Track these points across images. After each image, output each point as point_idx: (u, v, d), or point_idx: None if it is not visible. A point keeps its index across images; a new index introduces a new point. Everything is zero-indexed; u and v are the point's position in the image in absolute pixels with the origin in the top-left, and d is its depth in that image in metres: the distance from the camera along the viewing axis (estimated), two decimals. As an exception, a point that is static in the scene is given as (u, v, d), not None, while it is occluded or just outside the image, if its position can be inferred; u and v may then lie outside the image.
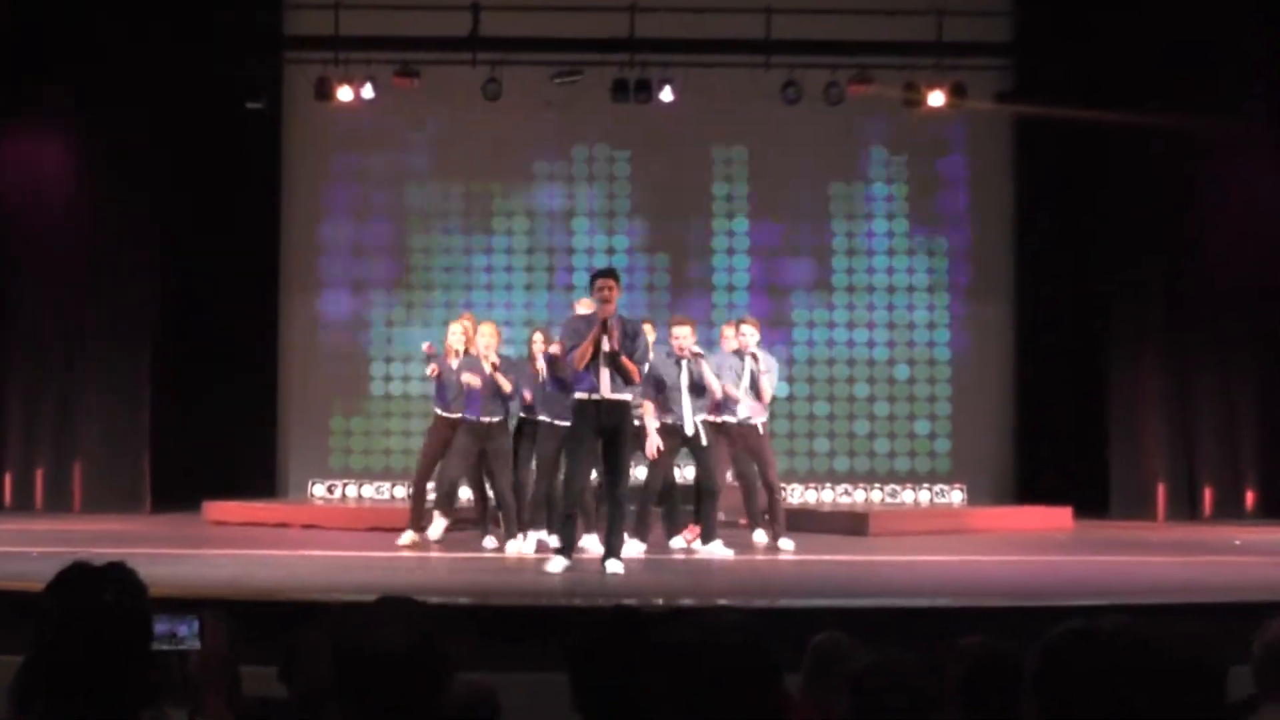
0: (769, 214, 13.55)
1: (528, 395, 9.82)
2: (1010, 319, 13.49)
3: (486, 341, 9.67)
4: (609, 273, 8.65)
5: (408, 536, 9.93)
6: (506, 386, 9.65)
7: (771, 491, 10.09)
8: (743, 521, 10.58)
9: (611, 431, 8.49)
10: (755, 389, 9.85)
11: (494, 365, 9.64)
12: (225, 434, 12.74)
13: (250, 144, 13.01)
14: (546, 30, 12.58)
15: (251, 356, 13.15)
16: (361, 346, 13.61)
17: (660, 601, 7.40)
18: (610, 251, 13.54)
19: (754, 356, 9.90)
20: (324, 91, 12.57)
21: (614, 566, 8.52)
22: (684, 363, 9.59)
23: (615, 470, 8.51)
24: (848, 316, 13.56)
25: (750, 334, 9.95)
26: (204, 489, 12.08)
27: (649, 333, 9.39)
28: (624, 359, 8.42)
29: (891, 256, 13.62)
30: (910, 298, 13.60)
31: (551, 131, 13.31)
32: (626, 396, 8.62)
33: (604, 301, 8.45)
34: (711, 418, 9.79)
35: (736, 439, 9.95)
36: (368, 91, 12.55)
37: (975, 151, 13.60)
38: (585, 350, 8.41)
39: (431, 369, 9.88)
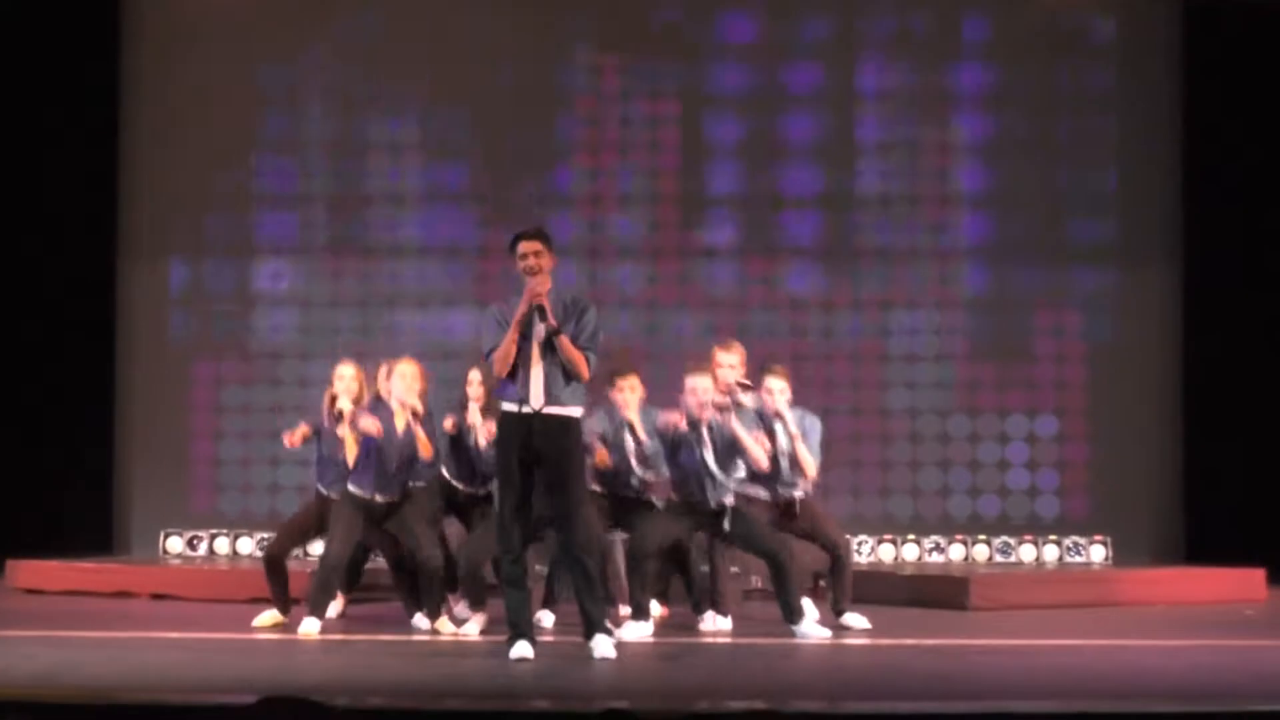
0: (806, 153, 13.62)
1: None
2: (1175, 296, 13.54)
3: (407, 384, 9.78)
4: (535, 234, 8.69)
5: (268, 617, 10.15)
6: (426, 450, 9.78)
7: (835, 550, 10.27)
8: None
9: (551, 458, 8.57)
10: (792, 461, 10.15)
11: (415, 414, 9.76)
12: (39, 467, 12.83)
13: (73, 40, 13.10)
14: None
15: (76, 349, 13.25)
16: (237, 338, 13.60)
17: (669, 706, 7.38)
18: (593, 201, 13.57)
19: (780, 417, 10.12)
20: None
21: (603, 648, 8.61)
22: (707, 424, 9.76)
23: (564, 512, 8.61)
24: (934, 293, 13.54)
25: (778, 388, 10.14)
26: (9, 544, 12.08)
27: (634, 389, 10.03)
28: (564, 341, 8.51)
29: (997, 208, 13.64)
30: (1027, 266, 13.65)
31: (508, 27, 13.43)
32: (572, 411, 8.66)
33: (530, 272, 8.57)
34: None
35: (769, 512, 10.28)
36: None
37: (1123, 57, 13.61)
38: (508, 347, 8.50)
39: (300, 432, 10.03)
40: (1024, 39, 13.61)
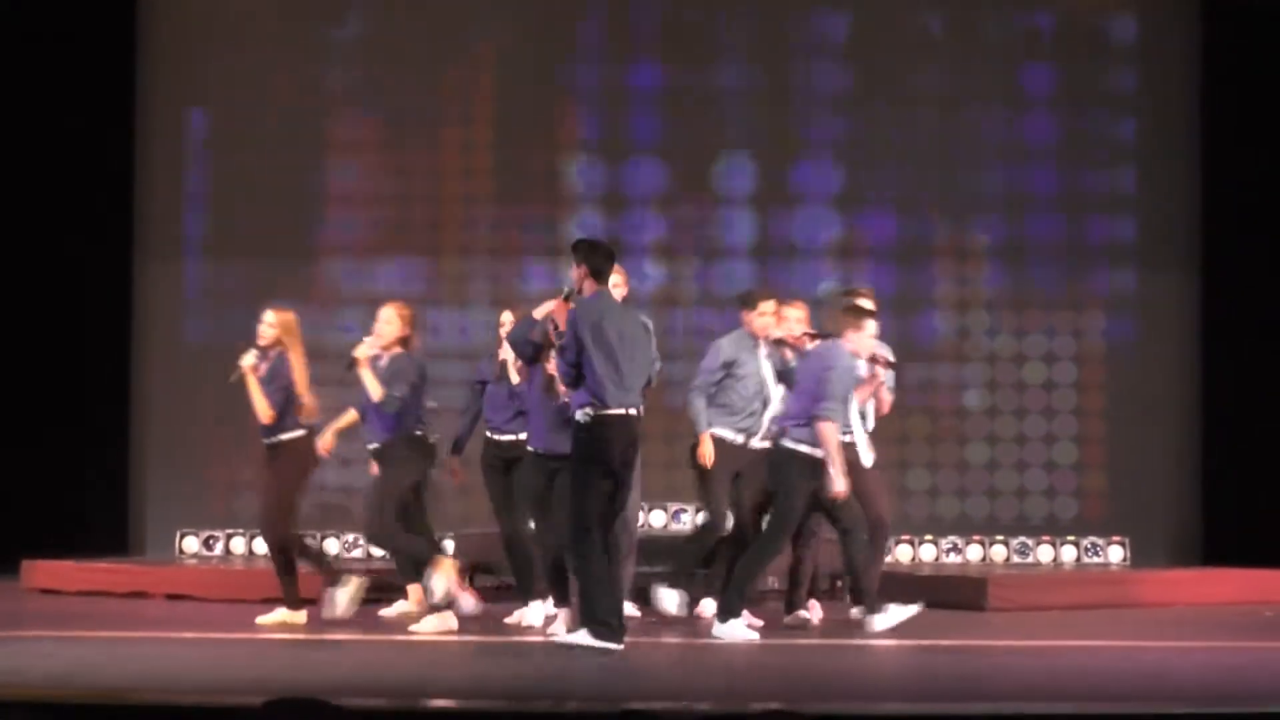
0: (829, 150, 13.60)
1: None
2: (1195, 297, 13.46)
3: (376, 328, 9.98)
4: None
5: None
6: (376, 392, 9.81)
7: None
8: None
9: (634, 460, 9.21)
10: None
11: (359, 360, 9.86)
12: (55, 467, 12.80)
13: (91, 36, 13.08)
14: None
15: (92, 350, 13.26)
16: (252, 338, 13.55)
17: (686, 705, 7.34)
18: (627, 196, 13.53)
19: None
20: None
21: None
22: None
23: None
24: (954, 293, 13.50)
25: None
26: (25, 544, 12.07)
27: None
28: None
29: (1020, 207, 13.57)
30: (1047, 266, 13.59)
31: (537, 11, 13.42)
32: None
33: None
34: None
35: None
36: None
37: (1143, 57, 13.56)
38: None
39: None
40: (1044, 40, 13.55)
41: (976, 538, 13.27)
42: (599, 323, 8.84)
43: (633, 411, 8.93)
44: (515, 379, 10.08)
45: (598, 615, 8.82)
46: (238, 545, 13.15)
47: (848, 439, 9.99)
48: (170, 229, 13.62)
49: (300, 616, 10.12)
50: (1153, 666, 9.09)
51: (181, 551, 13.12)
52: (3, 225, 12.95)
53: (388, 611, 10.54)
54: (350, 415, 10.44)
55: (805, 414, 9.56)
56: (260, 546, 12.72)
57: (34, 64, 12.89)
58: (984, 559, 13.24)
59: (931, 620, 10.45)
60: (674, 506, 13.09)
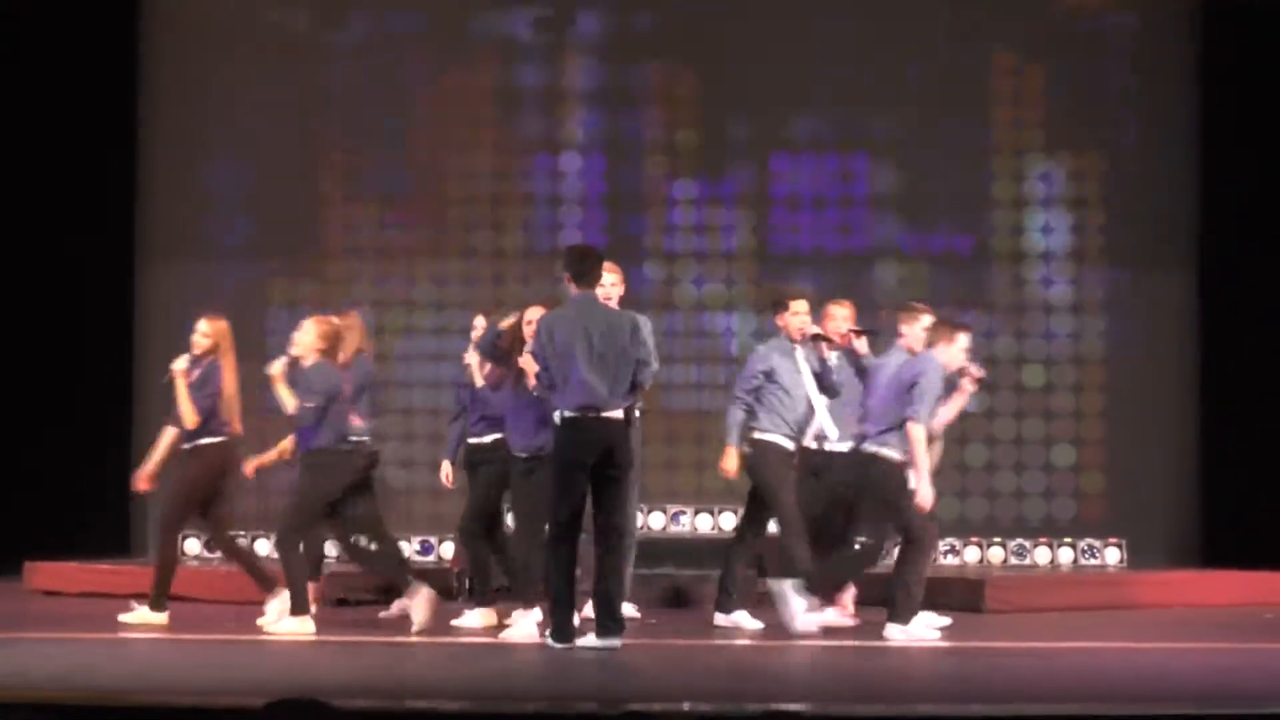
0: (834, 144, 13.57)
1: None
2: (1193, 298, 13.44)
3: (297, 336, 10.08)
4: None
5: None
6: (289, 405, 9.86)
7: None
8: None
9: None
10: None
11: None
12: (56, 468, 12.79)
13: (93, 38, 13.08)
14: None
15: (94, 351, 13.24)
16: (255, 338, 13.58)
17: (686, 706, 7.35)
18: (618, 194, 13.54)
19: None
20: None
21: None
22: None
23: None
24: (953, 294, 13.50)
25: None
26: (26, 546, 12.07)
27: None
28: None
29: (1019, 209, 13.59)
30: (1044, 267, 13.60)
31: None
32: None
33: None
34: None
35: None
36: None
37: (1143, 59, 13.56)
38: None
39: None
40: (1044, 39, 13.55)
41: (974, 539, 13.27)
42: (551, 329, 9.15)
43: (599, 414, 9.06)
44: (479, 382, 10.17)
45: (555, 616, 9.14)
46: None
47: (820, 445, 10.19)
48: (172, 231, 13.62)
49: (160, 618, 10.09)
50: (1150, 668, 9.10)
51: (183, 553, 13.06)
52: (8, 226, 12.94)
53: (387, 614, 10.54)
54: (288, 442, 10.42)
55: (890, 419, 9.58)
56: (263, 547, 12.75)
57: (40, 69, 12.89)
58: (981, 561, 13.22)
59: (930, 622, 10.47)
60: (673, 509, 13.10)
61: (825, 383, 10.16)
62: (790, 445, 10.12)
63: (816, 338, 10.13)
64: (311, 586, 10.25)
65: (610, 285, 10.01)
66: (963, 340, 9.80)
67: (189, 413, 10.10)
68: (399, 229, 13.66)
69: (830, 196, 13.58)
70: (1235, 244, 13.14)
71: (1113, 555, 13.18)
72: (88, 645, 9.42)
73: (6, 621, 10.12)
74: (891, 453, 9.56)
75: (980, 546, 13.25)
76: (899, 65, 13.58)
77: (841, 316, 10.41)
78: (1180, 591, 12.10)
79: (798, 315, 10.15)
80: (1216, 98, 13.27)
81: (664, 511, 13.01)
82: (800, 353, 10.15)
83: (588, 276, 9.30)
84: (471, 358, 10.20)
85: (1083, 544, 13.24)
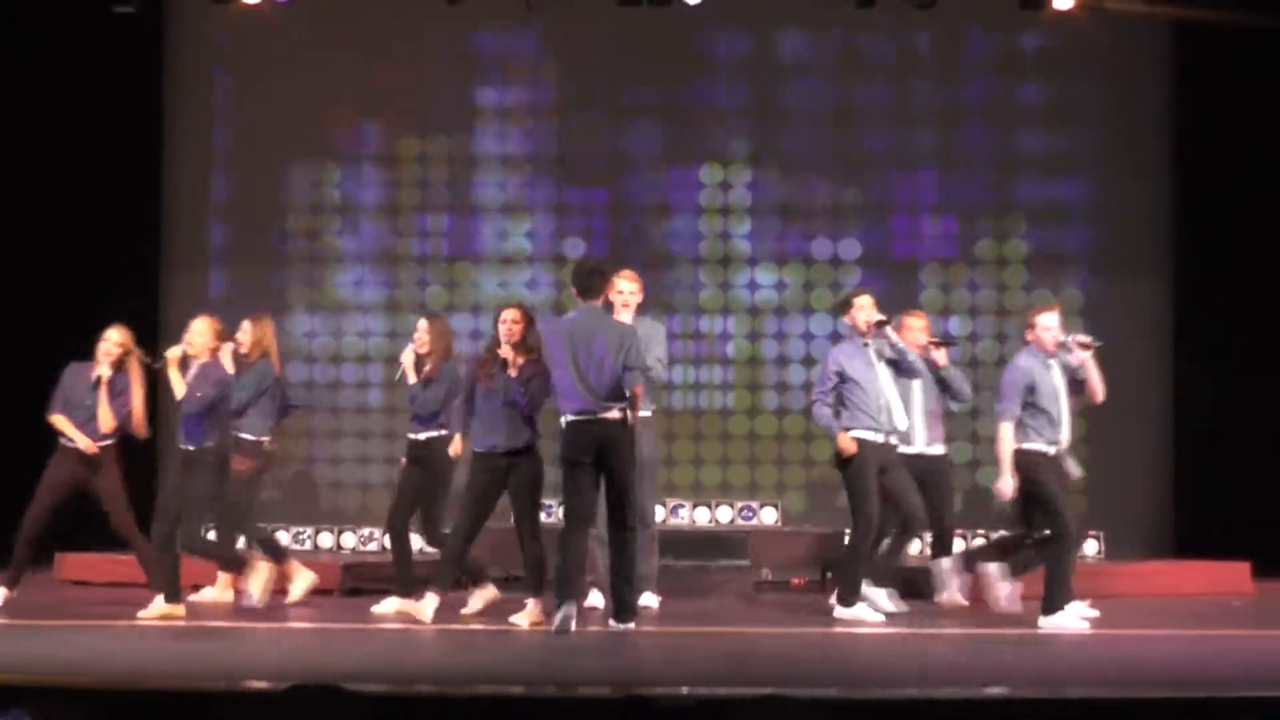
0: (823, 160, 13.59)
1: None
2: (1166, 303, 13.50)
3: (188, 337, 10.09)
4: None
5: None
6: (179, 390, 9.95)
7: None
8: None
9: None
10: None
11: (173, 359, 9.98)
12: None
13: (119, 63, 13.10)
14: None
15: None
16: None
17: (685, 690, 7.38)
18: (601, 210, 13.59)
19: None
20: (220, -10, 12.71)
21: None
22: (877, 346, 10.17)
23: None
24: (939, 299, 13.54)
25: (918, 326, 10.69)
26: (56, 537, 12.06)
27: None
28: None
29: (997, 218, 13.62)
30: (1024, 273, 13.63)
31: (530, 46, 13.37)
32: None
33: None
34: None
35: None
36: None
37: (1117, 73, 13.60)
38: None
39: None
40: (1022, 54, 13.58)
41: (959, 532, 13.28)
42: (547, 339, 9.58)
43: (593, 416, 9.37)
44: (411, 380, 10.31)
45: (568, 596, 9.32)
46: (260, 539, 13.16)
47: (889, 440, 10.19)
48: (194, 239, 13.67)
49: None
50: (1126, 653, 9.13)
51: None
52: (41, 238, 12.93)
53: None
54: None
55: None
56: (282, 539, 12.76)
57: (70, 87, 12.89)
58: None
59: (916, 609, 10.50)
60: (672, 502, 13.14)
61: (904, 366, 10.19)
62: (877, 437, 10.12)
63: (881, 324, 10.10)
64: (234, 576, 10.61)
65: (629, 294, 10.24)
66: (1044, 320, 9.90)
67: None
68: (414, 235, 13.69)
69: (826, 205, 13.64)
70: (1208, 252, 13.17)
71: (1091, 547, 13.19)
72: (114, 633, 9.44)
73: (38, 611, 10.14)
74: (1023, 444, 9.78)
75: (965, 538, 13.25)
76: (890, 84, 13.62)
77: (918, 328, 10.58)
78: (1154, 581, 12.09)
79: (862, 310, 10.14)
80: (1187, 111, 13.30)
81: (663, 505, 13.02)
82: (871, 347, 10.16)
83: (591, 291, 9.61)
84: (406, 357, 10.32)
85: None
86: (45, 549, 10.72)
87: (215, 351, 10.07)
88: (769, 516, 13.16)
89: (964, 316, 13.59)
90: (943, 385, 10.73)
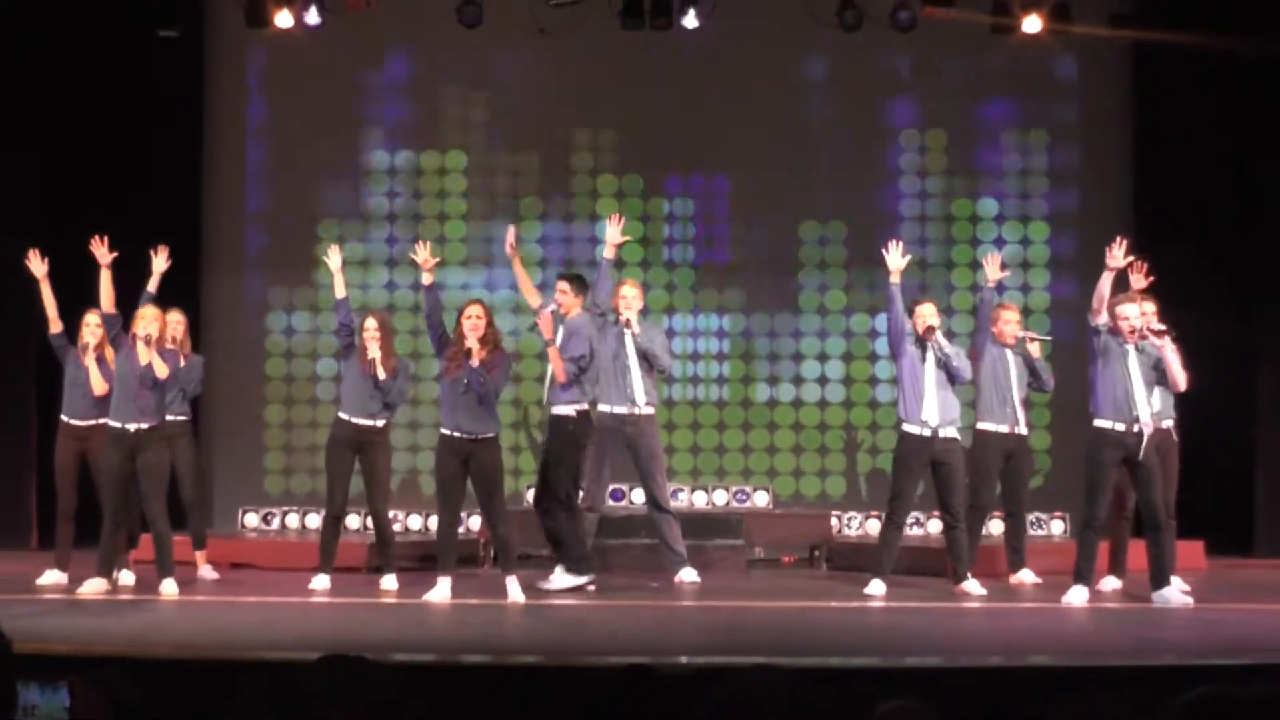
0: (815, 173, 13.59)
1: None
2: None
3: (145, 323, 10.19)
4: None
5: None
6: (161, 370, 9.99)
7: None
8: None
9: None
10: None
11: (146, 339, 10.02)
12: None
13: (163, 83, 13.10)
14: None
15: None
16: (305, 339, 13.66)
17: (684, 660, 7.41)
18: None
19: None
20: (257, 16, 12.63)
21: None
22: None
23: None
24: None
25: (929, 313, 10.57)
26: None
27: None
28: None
29: (974, 225, 13.64)
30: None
31: (547, 67, 13.38)
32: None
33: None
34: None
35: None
36: (313, 16, 12.58)
37: (1083, 93, 13.62)
38: None
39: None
40: (996, 76, 13.60)
41: (935, 513, 13.30)
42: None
43: (586, 409, 10.33)
44: (381, 375, 10.38)
45: (572, 557, 10.06)
46: (292, 520, 13.17)
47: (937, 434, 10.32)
48: (232, 244, 13.69)
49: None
50: (1091, 624, 9.17)
51: (243, 525, 13.17)
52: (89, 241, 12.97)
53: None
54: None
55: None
56: (312, 521, 12.81)
57: (117, 103, 12.89)
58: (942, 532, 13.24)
59: (896, 585, 10.53)
60: (672, 486, 13.11)
61: (950, 369, 10.30)
62: (923, 431, 10.27)
63: (929, 331, 10.25)
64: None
65: (632, 298, 10.34)
66: (1123, 310, 10.04)
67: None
68: (436, 243, 13.66)
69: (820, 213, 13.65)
70: (1166, 256, 13.17)
71: (1058, 527, 13.22)
72: (160, 607, 9.48)
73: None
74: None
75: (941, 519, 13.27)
76: (873, 103, 13.64)
77: (1013, 320, 10.80)
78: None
79: (921, 317, 10.31)
80: (1147, 126, 13.32)
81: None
82: (931, 348, 10.26)
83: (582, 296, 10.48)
84: (375, 351, 10.39)
85: (1031, 516, 13.26)
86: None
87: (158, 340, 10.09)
88: (761, 499, 13.18)
89: (944, 317, 13.56)
90: (1033, 373, 10.96)
